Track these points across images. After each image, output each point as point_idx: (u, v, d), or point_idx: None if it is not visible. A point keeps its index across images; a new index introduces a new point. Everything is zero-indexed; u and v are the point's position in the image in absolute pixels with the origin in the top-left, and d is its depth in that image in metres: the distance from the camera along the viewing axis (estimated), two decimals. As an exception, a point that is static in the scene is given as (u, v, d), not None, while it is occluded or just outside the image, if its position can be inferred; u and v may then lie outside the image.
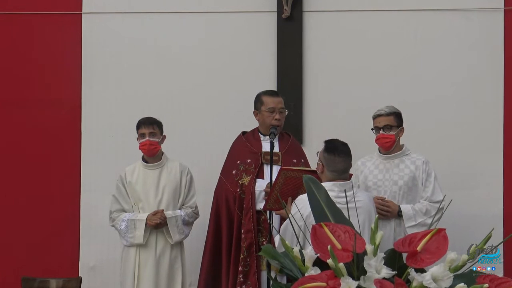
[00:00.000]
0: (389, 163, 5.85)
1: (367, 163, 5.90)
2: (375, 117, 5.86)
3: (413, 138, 6.49)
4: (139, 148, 6.13)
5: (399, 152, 5.87)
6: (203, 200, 6.25)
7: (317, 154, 5.17)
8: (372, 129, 5.85)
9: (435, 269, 3.17)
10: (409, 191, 5.80)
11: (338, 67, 6.87)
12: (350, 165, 5.10)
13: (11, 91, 7.00)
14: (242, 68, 6.90)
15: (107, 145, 6.93)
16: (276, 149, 5.92)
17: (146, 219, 6.03)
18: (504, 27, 6.80)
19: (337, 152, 4.98)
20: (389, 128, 5.80)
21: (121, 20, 6.98)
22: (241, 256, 5.81)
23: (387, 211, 5.68)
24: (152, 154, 6.15)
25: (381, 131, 5.80)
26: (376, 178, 5.85)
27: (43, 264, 6.83)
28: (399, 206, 5.74)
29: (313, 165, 5.56)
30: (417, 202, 5.79)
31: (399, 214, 5.73)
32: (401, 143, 5.91)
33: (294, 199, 5.17)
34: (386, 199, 5.76)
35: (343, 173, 5.01)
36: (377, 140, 5.84)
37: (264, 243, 5.63)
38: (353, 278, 3.16)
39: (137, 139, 6.15)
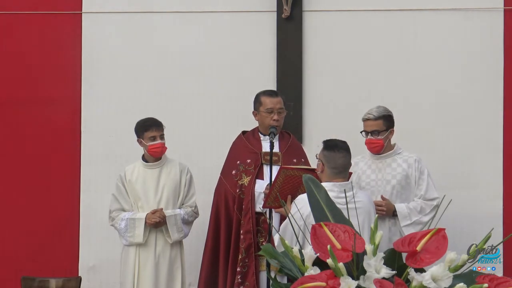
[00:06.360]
0: (381, 162, 5.86)
1: (359, 163, 5.90)
2: (364, 120, 5.85)
3: (413, 137, 6.51)
4: (149, 151, 6.08)
5: (391, 151, 5.87)
6: (203, 200, 6.25)
7: (316, 156, 5.19)
8: (361, 132, 5.85)
9: (435, 269, 3.17)
10: (403, 189, 5.80)
11: (338, 67, 6.87)
12: (350, 163, 5.13)
13: (10, 90, 6.99)
14: (242, 68, 6.90)
15: (107, 145, 6.93)
16: (276, 149, 5.92)
17: (145, 218, 6.04)
18: (504, 27, 6.80)
19: (337, 148, 5.03)
20: (377, 133, 5.80)
21: (121, 20, 6.98)
22: (240, 257, 5.81)
23: (381, 210, 5.67)
24: (160, 156, 6.14)
25: (369, 136, 5.81)
26: (369, 178, 5.86)
27: (43, 264, 6.83)
28: (394, 205, 5.74)
29: (313, 166, 5.56)
30: (411, 201, 5.80)
31: (394, 214, 5.74)
32: (392, 142, 5.91)
33: (294, 197, 5.19)
34: (382, 199, 5.76)
35: (343, 170, 5.03)
36: (365, 143, 5.85)
37: (263, 243, 5.63)
38: (353, 278, 3.16)
39: (139, 141, 6.13)
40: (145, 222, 6.03)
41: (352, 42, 6.87)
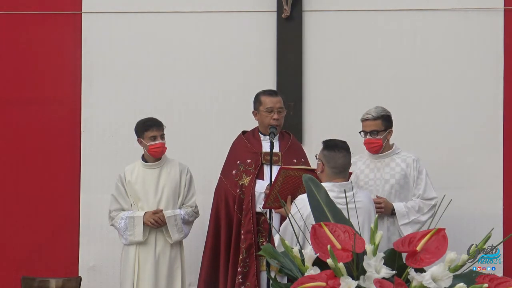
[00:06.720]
0: (379, 162, 5.87)
1: (357, 162, 5.90)
2: (362, 120, 5.86)
3: (413, 137, 6.51)
4: (150, 151, 6.09)
5: (389, 151, 5.88)
6: (203, 200, 6.25)
7: (316, 156, 5.19)
8: (360, 132, 5.86)
9: (435, 269, 3.17)
10: (401, 189, 5.81)
11: (338, 66, 6.87)
12: (350, 162, 5.13)
13: (10, 90, 6.99)
14: (242, 68, 6.90)
15: (107, 145, 6.93)
16: (276, 149, 5.93)
17: (144, 217, 6.03)
18: (504, 27, 6.80)
19: (337, 148, 5.03)
20: (376, 133, 5.81)
21: (121, 20, 6.98)
22: (240, 257, 5.81)
23: (380, 208, 5.67)
24: (160, 156, 6.14)
25: (368, 136, 5.81)
26: (368, 177, 5.86)
27: (43, 264, 6.83)
28: (392, 204, 5.75)
29: (313, 166, 5.56)
30: (410, 200, 5.81)
31: (392, 213, 5.74)
32: (390, 142, 5.92)
33: (294, 197, 5.19)
34: (380, 197, 5.76)
35: (343, 170, 5.04)
36: (364, 143, 5.85)
37: (264, 243, 5.63)
38: (353, 278, 3.16)
39: (140, 141, 6.13)
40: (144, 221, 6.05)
41: (352, 42, 6.87)
